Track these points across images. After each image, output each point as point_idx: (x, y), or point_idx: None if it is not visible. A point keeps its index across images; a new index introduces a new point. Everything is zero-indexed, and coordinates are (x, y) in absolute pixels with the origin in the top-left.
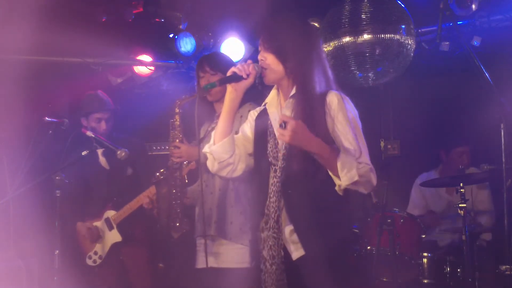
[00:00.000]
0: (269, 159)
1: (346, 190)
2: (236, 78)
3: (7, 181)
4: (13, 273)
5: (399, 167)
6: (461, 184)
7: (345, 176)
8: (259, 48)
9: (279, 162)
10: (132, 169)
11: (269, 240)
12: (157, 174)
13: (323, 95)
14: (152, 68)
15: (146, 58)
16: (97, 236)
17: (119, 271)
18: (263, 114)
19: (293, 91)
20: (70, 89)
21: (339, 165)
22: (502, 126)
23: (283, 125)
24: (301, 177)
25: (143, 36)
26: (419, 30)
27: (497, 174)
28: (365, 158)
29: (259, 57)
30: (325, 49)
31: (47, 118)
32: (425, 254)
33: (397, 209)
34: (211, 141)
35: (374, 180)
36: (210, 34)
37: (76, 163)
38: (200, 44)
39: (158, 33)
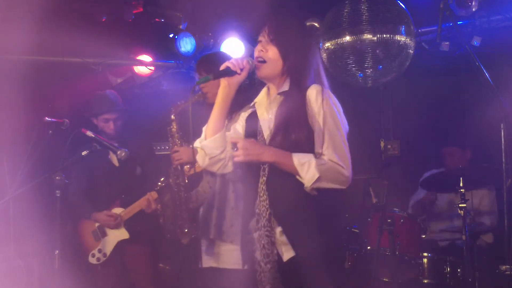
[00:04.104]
0: None
1: (321, 190)
2: (229, 72)
3: (7, 181)
4: (13, 273)
5: (399, 167)
6: (461, 184)
7: (306, 176)
8: (260, 39)
9: None
10: (141, 169)
11: (262, 239)
12: (159, 183)
13: (306, 89)
14: (152, 68)
15: (146, 58)
16: (115, 224)
17: (121, 270)
18: (254, 114)
19: (284, 88)
20: (70, 89)
21: (297, 167)
22: (502, 126)
23: (234, 147)
24: (284, 174)
25: (143, 36)
26: (419, 30)
27: (497, 174)
28: (330, 150)
29: (259, 48)
30: (325, 49)
31: (47, 118)
32: (425, 254)
33: (397, 209)
34: (202, 136)
35: (345, 172)
36: (210, 34)
37: (78, 162)
38: (200, 44)
39: (158, 33)
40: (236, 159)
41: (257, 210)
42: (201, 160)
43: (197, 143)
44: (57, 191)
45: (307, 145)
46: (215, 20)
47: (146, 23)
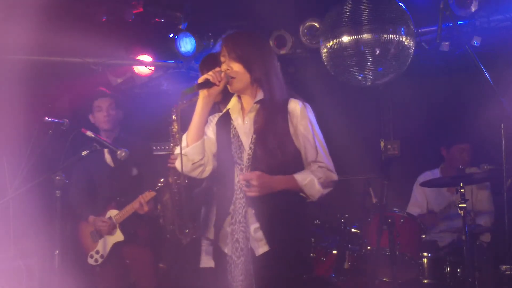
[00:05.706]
0: (234, 159)
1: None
2: (209, 84)
3: (7, 181)
4: (13, 273)
5: (399, 167)
6: (461, 184)
7: (310, 193)
8: (222, 59)
9: (244, 162)
10: (137, 169)
11: (236, 234)
12: (159, 183)
13: (285, 102)
14: (152, 68)
15: (146, 58)
16: (109, 229)
17: (120, 270)
18: (225, 118)
19: (258, 97)
20: (70, 89)
21: (302, 187)
22: (502, 126)
23: (247, 184)
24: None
25: (143, 36)
26: (419, 30)
27: (497, 174)
28: (323, 158)
29: (224, 67)
30: (326, 48)
31: (47, 118)
32: (425, 254)
33: (397, 209)
34: (184, 143)
35: (334, 177)
36: (210, 34)
37: (77, 162)
38: (200, 44)
39: (158, 33)
40: (250, 194)
41: (232, 207)
42: (181, 166)
43: (179, 150)
44: (57, 191)
45: (288, 148)
46: (215, 20)
47: (146, 23)
